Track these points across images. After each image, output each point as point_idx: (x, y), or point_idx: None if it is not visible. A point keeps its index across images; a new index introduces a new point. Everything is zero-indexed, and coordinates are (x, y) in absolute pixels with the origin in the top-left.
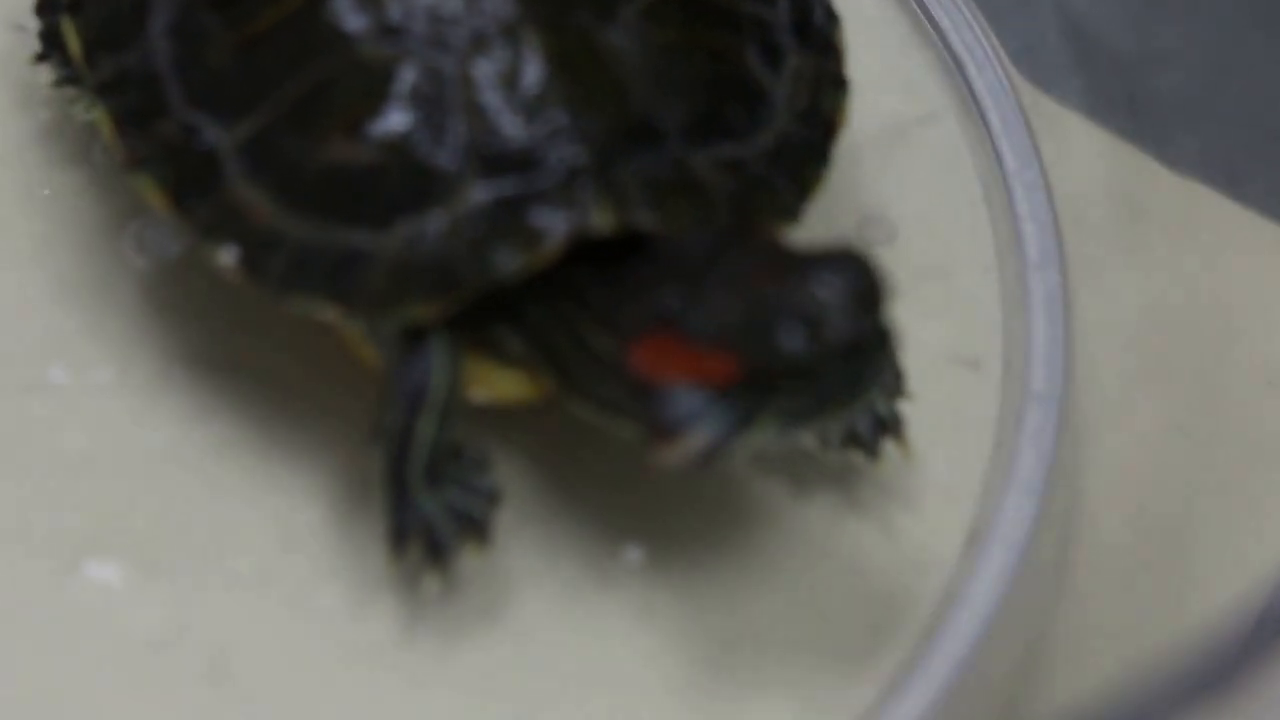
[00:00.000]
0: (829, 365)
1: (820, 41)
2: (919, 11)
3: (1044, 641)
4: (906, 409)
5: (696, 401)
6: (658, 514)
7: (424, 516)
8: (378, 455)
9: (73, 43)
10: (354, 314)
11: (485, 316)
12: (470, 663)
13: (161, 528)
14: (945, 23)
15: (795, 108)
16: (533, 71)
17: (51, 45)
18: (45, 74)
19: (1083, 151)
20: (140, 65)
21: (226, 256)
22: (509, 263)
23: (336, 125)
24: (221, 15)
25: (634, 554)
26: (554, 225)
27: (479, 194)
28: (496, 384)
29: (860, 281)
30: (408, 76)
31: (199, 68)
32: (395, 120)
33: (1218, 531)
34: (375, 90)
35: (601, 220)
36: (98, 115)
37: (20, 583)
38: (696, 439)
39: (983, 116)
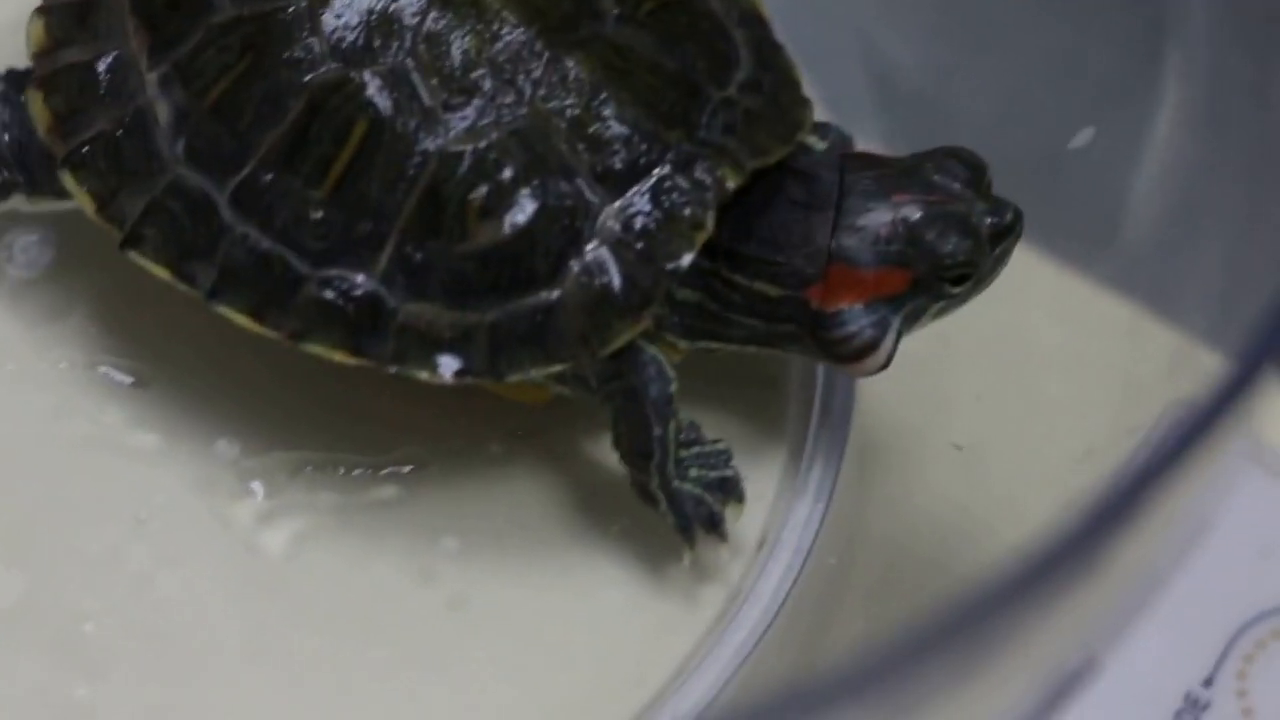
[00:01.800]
0: (984, 254)
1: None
2: None
3: (826, 634)
4: (709, 421)
5: (880, 315)
6: (475, 511)
7: (693, 500)
8: (641, 474)
9: (157, 270)
10: (572, 362)
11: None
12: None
13: (20, 512)
14: None
15: (750, 43)
16: (592, 88)
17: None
18: None
19: None
20: (245, 250)
21: (443, 372)
22: (682, 255)
23: (469, 217)
24: (296, 176)
25: (451, 544)
26: (700, 205)
27: (621, 212)
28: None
29: (980, 171)
30: (501, 144)
31: (302, 226)
32: (517, 185)
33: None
34: (483, 170)
35: (732, 180)
36: (223, 312)
37: None
38: (887, 346)
39: None
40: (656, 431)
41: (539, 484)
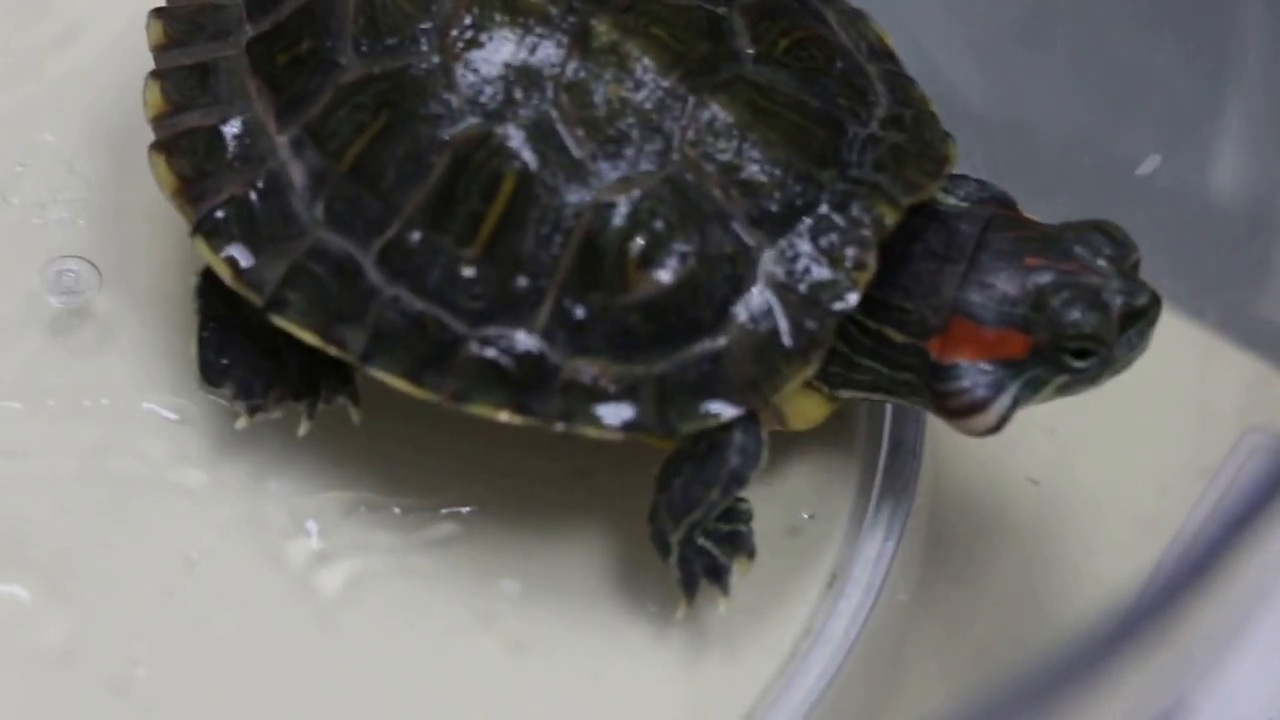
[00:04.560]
0: (1111, 331)
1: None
2: None
3: (899, 672)
4: (776, 455)
5: (995, 376)
6: (534, 553)
7: (703, 554)
8: (670, 520)
9: (305, 335)
10: (751, 406)
11: None
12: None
13: (67, 552)
14: None
15: (885, 77)
16: (739, 130)
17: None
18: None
19: None
20: (397, 312)
21: (610, 425)
22: (847, 296)
23: (628, 268)
24: (445, 234)
25: (510, 586)
26: (861, 245)
27: (781, 255)
28: (809, 413)
29: (1125, 250)
30: (655, 192)
31: (456, 285)
32: (673, 234)
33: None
34: (639, 220)
35: (890, 217)
36: (378, 375)
37: None
38: (998, 409)
39: None
40: (713, 496)
41: (601, 524)
